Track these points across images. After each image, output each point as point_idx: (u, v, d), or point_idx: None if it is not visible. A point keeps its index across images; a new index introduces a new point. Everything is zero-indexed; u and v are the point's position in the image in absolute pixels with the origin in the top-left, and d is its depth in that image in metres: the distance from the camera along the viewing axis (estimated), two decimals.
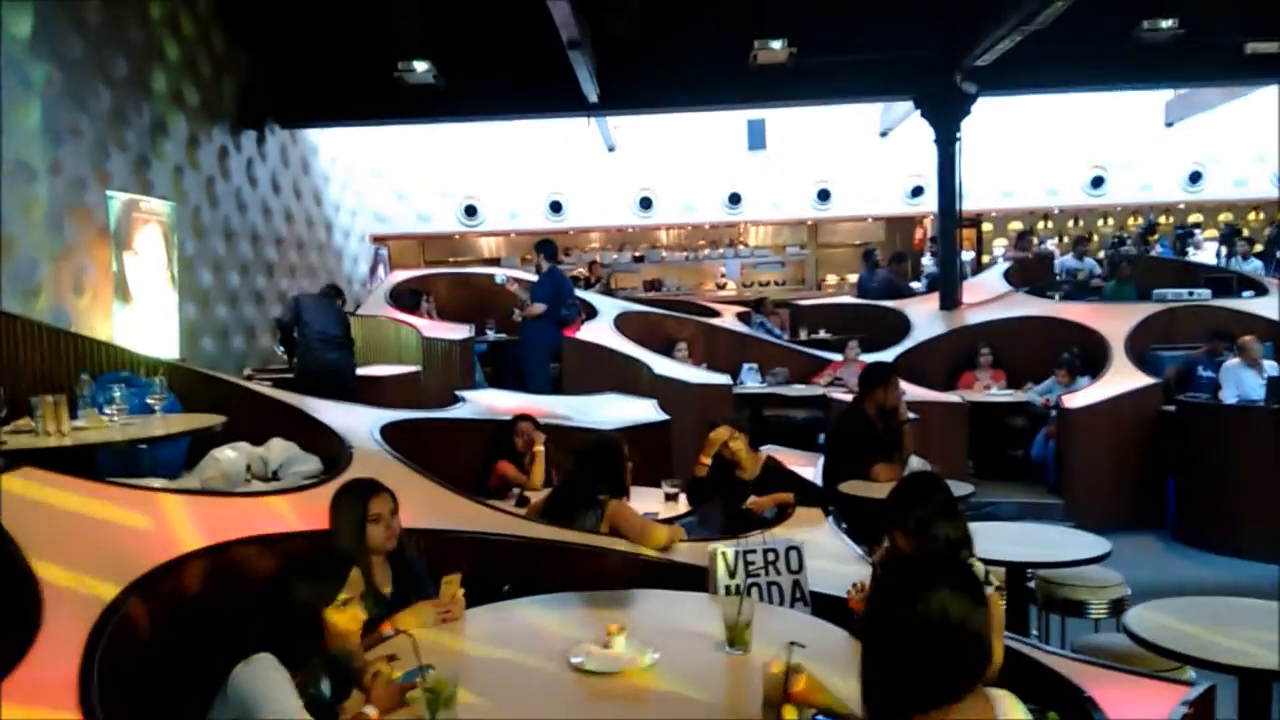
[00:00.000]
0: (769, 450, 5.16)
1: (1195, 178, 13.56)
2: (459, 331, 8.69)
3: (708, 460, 4.40)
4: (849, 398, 6.52)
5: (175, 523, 2.97)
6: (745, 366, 8.93)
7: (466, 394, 6.56)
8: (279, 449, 4.38)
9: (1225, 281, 9.52)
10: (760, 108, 11.96)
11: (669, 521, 4.05)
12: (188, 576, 2.77)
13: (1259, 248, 12.48)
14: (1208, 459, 6.84)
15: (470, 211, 13.84)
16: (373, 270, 12.40)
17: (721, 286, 14.71)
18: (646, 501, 4.40)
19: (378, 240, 13.27)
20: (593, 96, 8.90)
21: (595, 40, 8.12)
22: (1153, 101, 12.98)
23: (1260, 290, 9.28)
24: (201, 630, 2.61)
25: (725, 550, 3.06)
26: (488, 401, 6.39)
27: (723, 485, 4.51)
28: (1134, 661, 2.98)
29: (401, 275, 10.73)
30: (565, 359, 8.42)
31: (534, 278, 8.81)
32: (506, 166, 13.68)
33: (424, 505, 3.61)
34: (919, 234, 14.77)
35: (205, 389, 4.84)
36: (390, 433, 4.61)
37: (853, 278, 14.65)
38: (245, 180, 8.96)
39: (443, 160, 13.55)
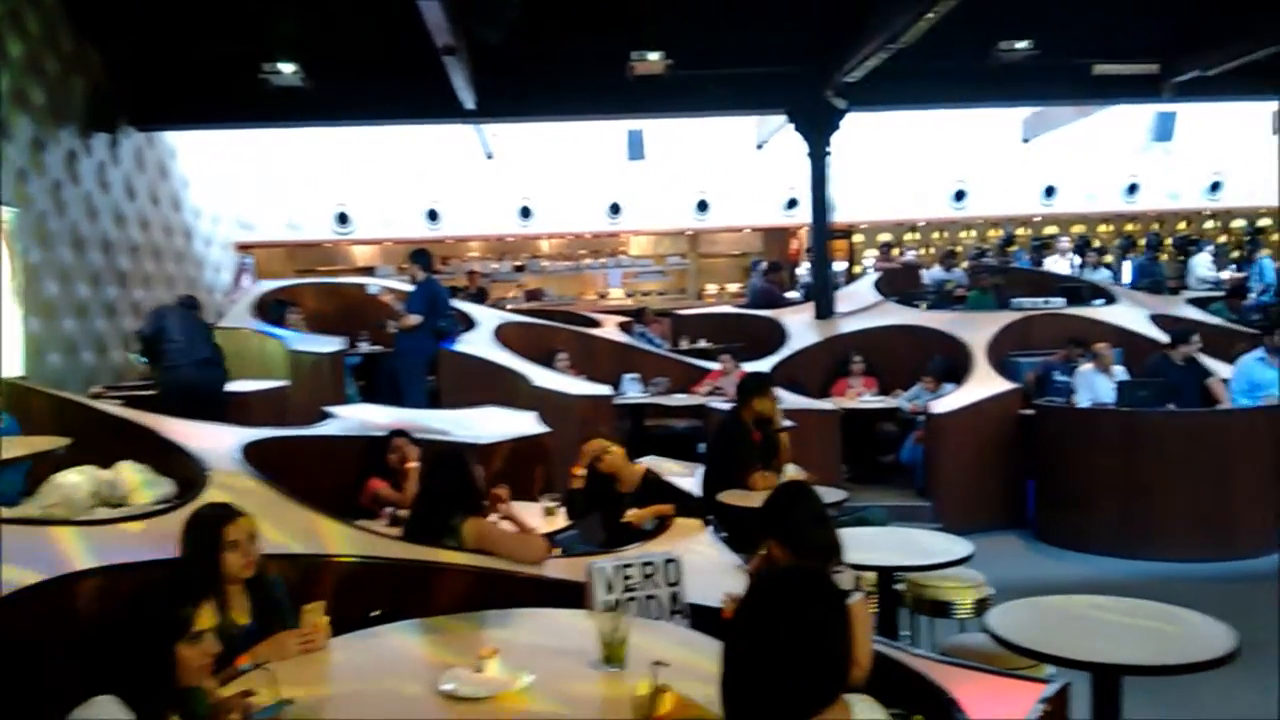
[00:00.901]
0: (649, 461, 5.16)
1: (1050, 192, 14.38)
2: (329, 344, 8.39)
3: (582, 472, 4.36)
4: (728, 407, 6.60)
5: (9, 556, 2.73)
6: (626, 376, 8.94)
7: (337, 410, 6.32)
8: (129, 473, 4.10)
9: (1078, 290, 10.09)
10: (638, 118, 12.03)
11: (549, 537, 3.99)
12: (21, 613, 2.55)
13: (1109, 258, 13.32)
14: (1064, 460, 7.21)
15: (342, 219, 13.42)
16: (237, 279, 11.86)
17: (603, 296, 14.73)
18: (525, 516, 4.31)
19: (242, 248, 12.71)
20: (469, 104, 8.76)
21: (471, 47, 8.00)
22: (1011, 119, 13.68)
23: (1110, 299, 9.88)
24: (38, 672, 2.40)
25: (603, 565, 3.02)
26: (361, 417, 6.17)
27: (601, 498, 4.47)
28: (996, 660, 3.08)
29: (268, 285, 10.30)
30: (442, 371, 8.24)
31: (410, 287, 8.59)
32: (381, 173, 13.32)
33: (287, 529, 3.44)
34: (794, 245, 15.15)
35: (48, 409, 4.51)
36: (253, 453, 4.39)
37: (733, 287, 14.94)
38: (96, 185, 8.42)
39: (313, 165, 13.10)
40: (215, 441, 4.45)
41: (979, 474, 7.60)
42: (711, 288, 15.22)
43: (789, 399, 7.84)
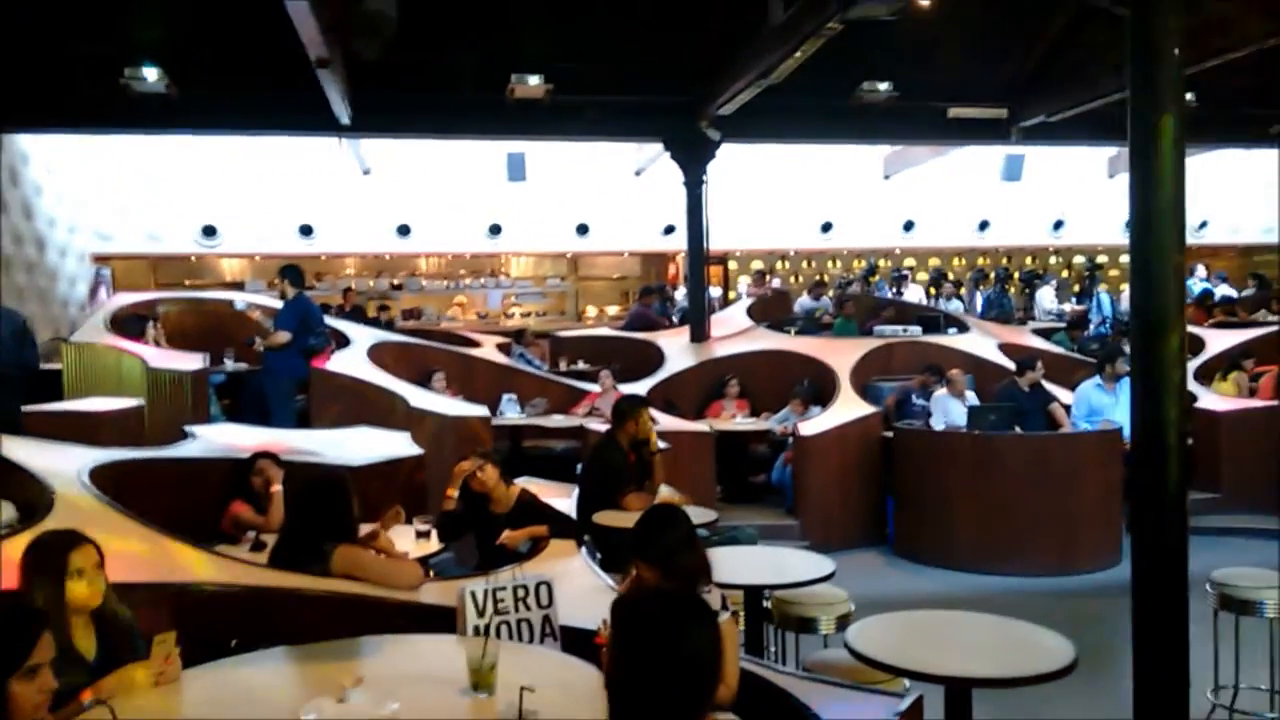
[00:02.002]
0: (524, 482, 5.16)
1: (909, 226, 15.14)
2: (191, 361, 8.01)
3: (454, 493, 4.33)
4: (605, 428, 6.66)
5: None
6: (505, 397, 8.89)
7: (198, 430, 6.05)
8: None
9: (934, 319, 10.64)
10: (518, 140, 12.06)
11: (422, 561, 3.95)
12: None
13: (962, 289, 14.09)
14: (920, 480, 7.57)
15: (208, 231, 12.89)
16: (93, 292, 11.23)
17: (483, 316, 14.62)
18: (397, 540, 4.24)
19: (100, 260, 12.04)
20: (344, 118, 8.59)
21: (348, 60, 7.86)
22: (873, 156, 14.37)
23: (962, 327, 10.46)
24: None
25: (474, 589, 3.01)
26: (224, 438, 5.94)
27: (476, 520, 4.45)
28: (857, 675, 3.23)
29: (125, 298, 9.77)
30: (313, 391, 8.00)
31: (280, 304, 8.33)
32: (251, 184, 12.88)
33: (140, 556, 3.29)
34: (672, 270, 15.43)
35: None
36: (102, 475, 4.17)
37: (612, 310, 15.08)
38: None
39: (178, 175, 12.56)
40: (61, 462, 4.21)
41: (843, 494, 7.89)
42: (592, 310, 15.33)
43: (665, 420, 7.97)
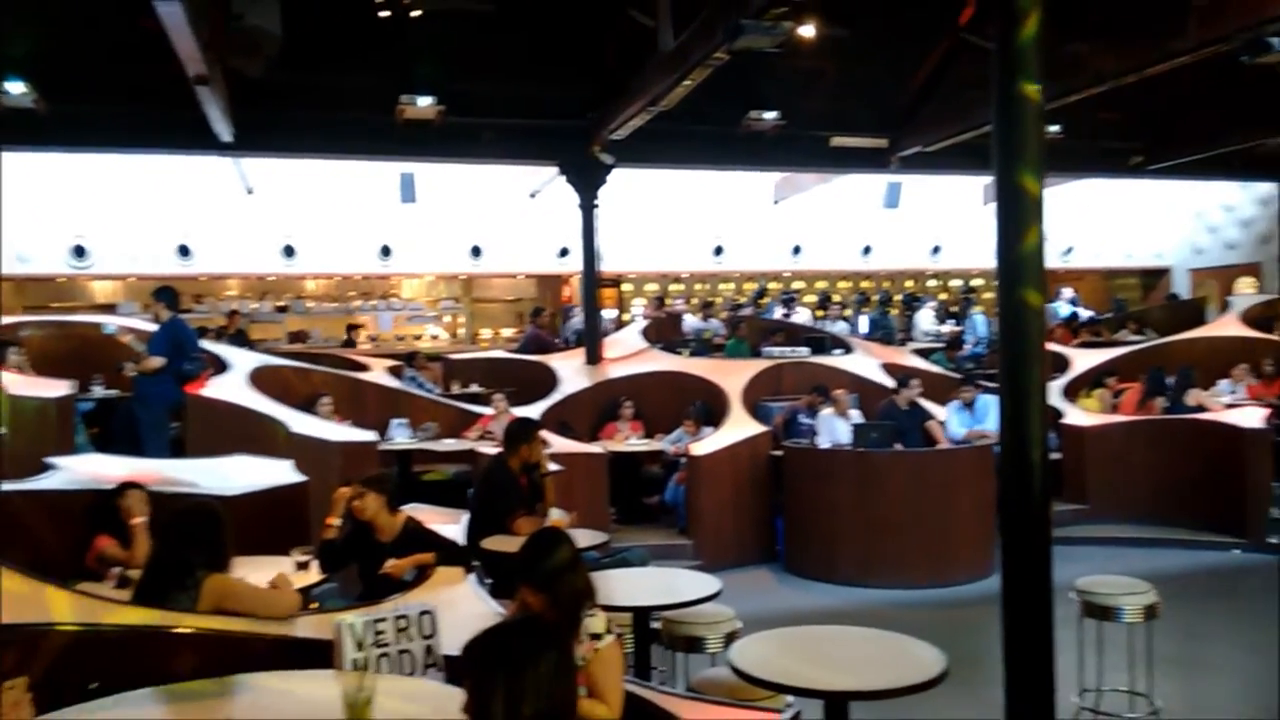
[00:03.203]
0: (413, 509, 5.07)
1: (797, 250, 15.57)
2: (56, 388, 7.58)
3: (335, 521, 4.23)
4: (498, 451, 6.60)
5: None
6: (394, 421, 8.72)
7: (62, 460, 5.73)
8: None
9: (821, 341, 10.95)
10: (409, 161, 11.90)
11: (303, 592, 3.82)
12: None
13: (848, 311, 14.55)
14: (807, 497, 7.76)
15: (79, 252, 12.26)
16: None
17: (373, 339, 14.31)
18: (274, 571, 4.10)
19: None
20: (226, 136, 8.33)
21: (230, 77, 7.63)
22: (763, 182, 14.74)
23: (848, 348, 10.79)
24: None
25: (352, 621, 2.93)
26: (91, 469, 5.63)
27: (359, 549, 4.34)
28: (741, 692, 3.28)
29: None
30: (188, 418, 7.68)
31: (154, 327, 7.97)
32: (125, 204, 12.33)
33: None
34: (567, 292, 15.44)
35: None
36: None
37: (507, 332, 14.98)
38: None
39: (46, 193, 11.91)
40: None
41: (734, 512, 8.02)
42: (486, 332, 15.19)
43: (558, 443, 7.96)
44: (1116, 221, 16.24)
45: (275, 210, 13.00)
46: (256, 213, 12.94)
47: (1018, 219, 3.81)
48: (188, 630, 3.18)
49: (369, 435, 7.74)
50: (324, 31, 8.15)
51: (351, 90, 8.77)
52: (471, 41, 8.58)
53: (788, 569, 7.81)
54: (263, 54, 7.52)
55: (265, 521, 5.07)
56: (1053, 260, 14.39)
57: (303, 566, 4.29)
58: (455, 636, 3.18)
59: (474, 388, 10.37)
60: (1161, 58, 7.41)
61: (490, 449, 7.64)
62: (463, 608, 3.62)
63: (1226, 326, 10.79)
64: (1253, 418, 8.22)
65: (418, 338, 14.41)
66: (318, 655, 3.09)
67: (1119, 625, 4.52)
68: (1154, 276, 17.26)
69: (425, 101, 8.32)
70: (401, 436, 8.58)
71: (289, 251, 13.24)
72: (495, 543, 4.78)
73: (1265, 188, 14.60)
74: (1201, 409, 8.90)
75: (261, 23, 7.50)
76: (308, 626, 3.34)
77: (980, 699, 4.55)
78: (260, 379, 8.41)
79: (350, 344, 13.25)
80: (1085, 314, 14.03)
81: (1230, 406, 8.87)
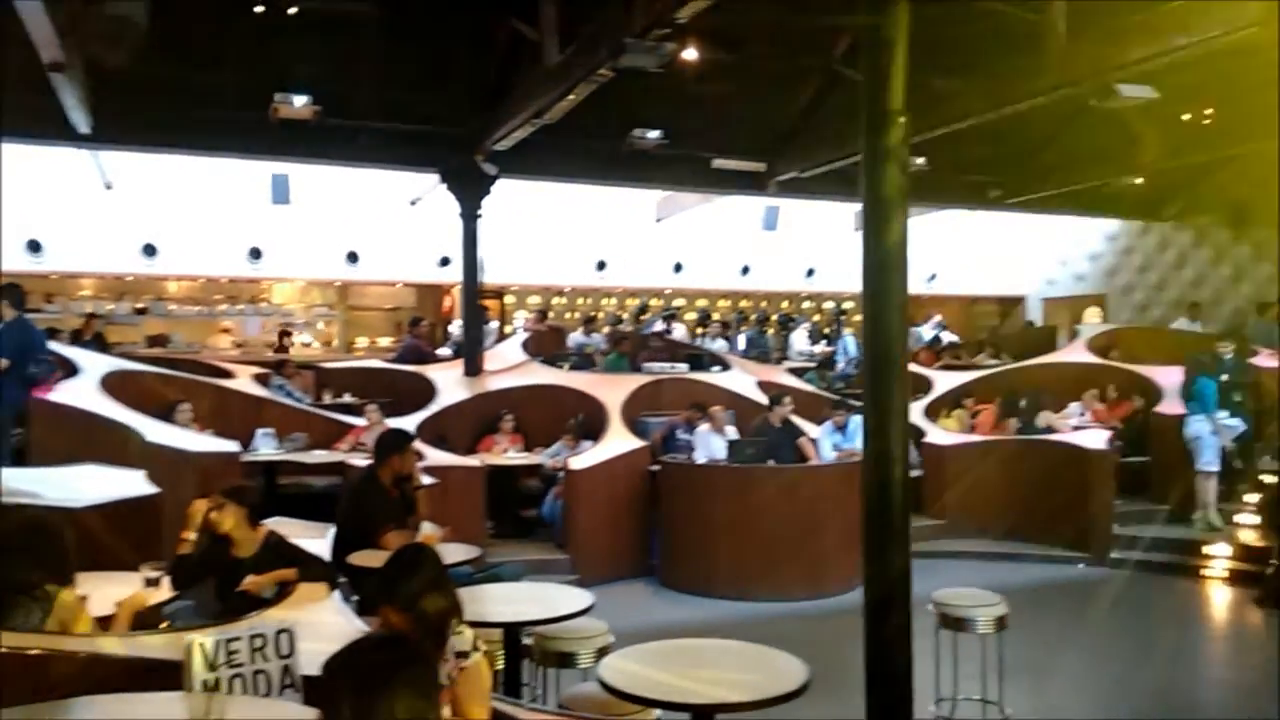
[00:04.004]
0: (277, 522, 4.87)
1: (679, 268, 15.80)
2: None
3: (191, 536, 4.02)
4: (368, 464, 6.42)
5: None
6: (260, 432, 8.38)
7: None
8: None
9: (700, 357, 11.13)
10: (281, 161, 11.49)
11: (156, 609, 3.62)
12: None
13: (726, 330, 14.83)
14: (684, 511, 7.86)
15: None
16: None
17: (240, 345, 13.72)
18: (124, 588, 3.87)
19: None
20: (83, 127, 7.87)
21: (90, 66, 7.21)
22: (646, 199, 14.91)
23: (725, 366, 10.99)
24: None
25: (203, 640, 2.78)
26: None
27: (216, 565, 4.14)
28: (611, 708, 3.28)
29: None
30: (33, 424, 7.19)
31: None
32: None
33: None
34: (447, 302, 15.21)
35: None
36: None
37: (384, 341, 14.62)
38: None
39: None
40: None
41: (612, 526, 8.04)
42: (362, 341, 14.78)
43: (433, 455, 7.82)
44: (978, 251, 17.13)
45: (136, 206, 12.32)
46: (115, 208, 12.24)
47: (883, 245, 3.98)
48: (20, 651, 2.97)
49: (230, 445, 7.43)
50: (194, 23, 7.82)
51: (222, 86, 8.43)
52: (352, 43, 8.40)
53: (664, 583, 7.88)
54: (126, 44, 7.15)
55: (115, 536, 4.79)
56: (918, 286, 15.11)
57: (153, 583, 4.06)
58: (316, 656, 3.07)
59: (347, 398, 10.07)
60: (1020, 98, 7.88)
61: (362, 461, 7.44)
62: (326, 626, 3.50)
63: (1075, 353, 11.51)
64: (1097, 439, 8.78)
65: (287, 340, 13.86)
66: (167, 676, 2.93)
67: (973, 636, 4.74)
68: (1011, 304, 18.30)
69: (301, 101, 8.08)
70: (267, 447, 8.26)
71: (150, 250, 12.59)
72: (363, 558, 4.65)
73: (1112, 224, 15.71)
74: (1051, 430, 9.47)
75: (126, 11, 7.13)
76: (157, 646, 3.16)
77: (844, 708, 4.68)
78: (114, 384, 7.95)
79: (284, 349, 12.78)
80: (948, 338, 14.72)
81: (1077, 428, 9.46)
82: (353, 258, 13.71)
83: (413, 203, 13.42)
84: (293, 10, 7.88)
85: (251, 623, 3.00)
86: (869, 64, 3.96)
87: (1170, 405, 9.14)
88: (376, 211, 13.57)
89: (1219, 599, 7.57)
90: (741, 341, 14.23)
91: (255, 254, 13.18)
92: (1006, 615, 4.68)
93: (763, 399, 9.61)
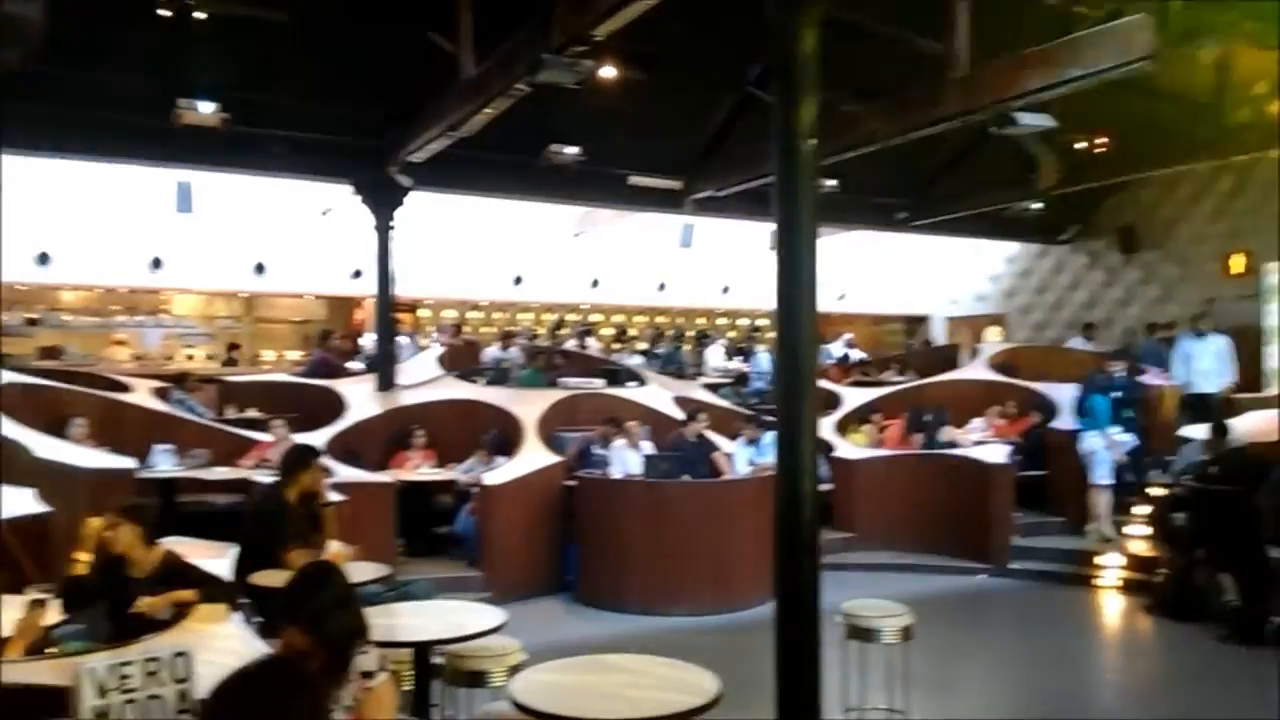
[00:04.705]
0: (175, 542, 4.70)
1: (595, 283, 15.85)
2: None
3: (84, 556, 3.85)
4: (273, 481, 6.24)
5: None
6: (159, 448, 8.07)
7: None
8: None
9: (616, 373, 11.16)
10: (186, 168, 11.14)
11: (46, 631, 3.45)
12: None
13: (642, 345, 14.91)
14: (599, 527, 7.85)
15: None
16: None
17: (139, 358, 13.19)
18: (9, 613, 3.67)
19: None
20: None
21: None
22: (564, 215, 14.91)
23: (641, 381, 11.04)
24: None
25: (94, 664, 2.68)
26: None
27: (109, 586, 3.97)
28: None
29: None
30: None
31: None
32: None
33: None
34: (359, 315, 14.92)
35: None
36: None
37: (292, 355, 14.24)
38: None
39: None
40: None
41: (527, 542, 7.98)
42: (269, 354, 14.37)
43: (343, 472, 7.66)
44: (885, 271, 17.64)
45: (28, 213, 11.76)
46: (7, 215, 11.64)
47: (795, 265, 4.08)
48: None
49: (126, 462, 7.15)
50: (96, 25, 7.52)
51: (125, 90, 8.15)
52: (263, 50, 8.20)
53: (579, 599, 7.85)
54: (21, 44, 6.83)
55: (2, 556, 4.56)
56: (828, 304, 15.45)
57: (39, 605, 3.86)
58: (215, 680, 2.97)
59: (253, 413, 9.77)
60: (925, 123, 8.17)
61: (267, 478, 7.23)
62: (225, 649, 3.39)
63: (976, 370, 11.91)
64: (998, 454, 9.10)
65: (190, 357, 13.40)
66: (56, 703, 2.80)
67: (879, 646, 4.84)
68: (916, 323, 18.87)
69: (207, 108, 7.84)
70: (165, 463, 7.96)
71: (43, 259, 12.03)
72: (266, 578, 4.51)
73: (1011, 247, 16.35)
74: (954, 445, 9.78)
75: (21, 10, 6.82)
76: (45, 671, 3.02)
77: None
78: (3, 398, 7.55)
79: (232, 363, 12.37)
80: (857, 355, 15.08)
81: (979, 443, 9.79)
82: (260, 269, 13.35)
83: (324, 213, 13.15)
84: (200, 15, 7.65)
85: (146, 646, 2.90)
86: (780, 88, 4.06)
87: (1066, 421, 9.53)
88: (286, 222, 13.25)
89: (1112, 607, 7.90)
90: (657, 358, 14.32)
91: (156, 263, 12.72)
92: (912, 625, 4.79)
93: (679, 414, 9.69)
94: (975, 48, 7.60)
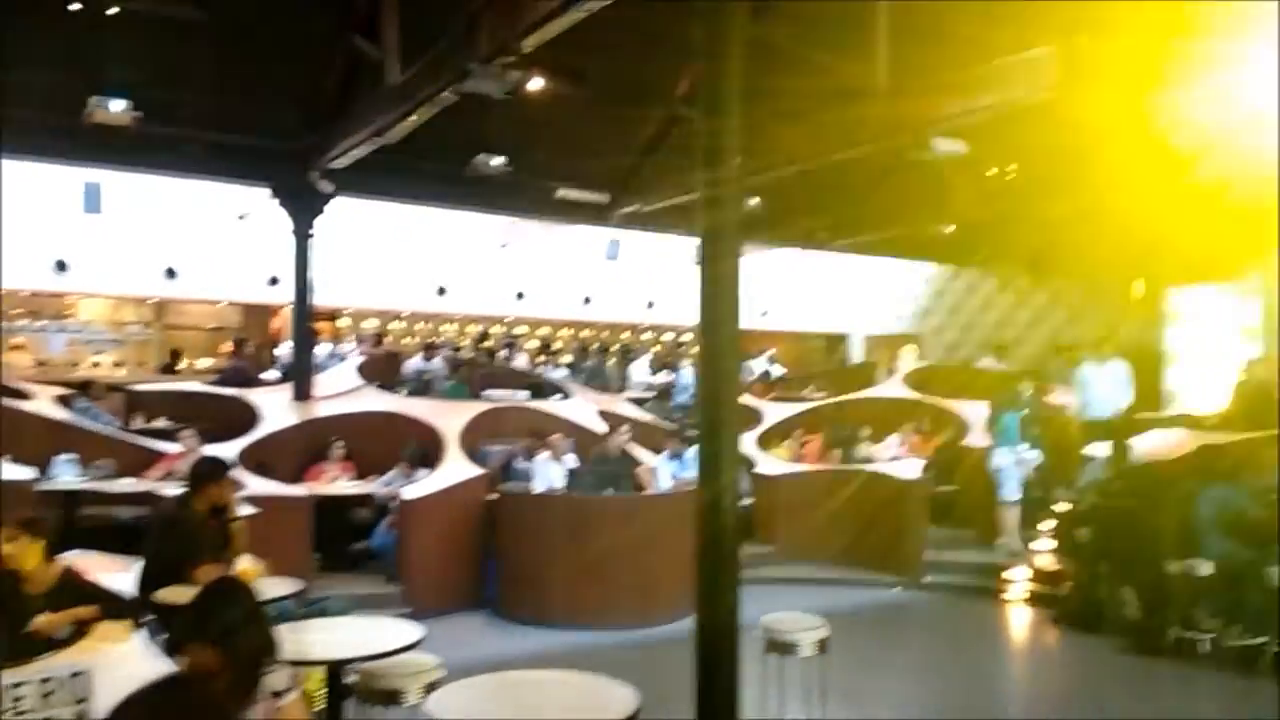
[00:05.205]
0: (77, 557, 4.51)
1: (521, 295, 15.77)
2: None
3: None
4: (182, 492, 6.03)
5: None
6: (60, 458, 7.74)
7: None
8: None
9: (541, 386, 11.10)
10: (96, 168, 10.74)
11: None
12: None
13: (568, 359, 14.88)
14: (521, 541, 7.78)
15: None
16: None
17: (41, 364, 12.62)
18: None
19: None
20: None
21: None
22: (490, 225, 14.83)
23: (566, 395, 11.01)
24: None
25: None
26: None
27: (3, 603, 3.77)
28: None
29: None
30: None
31: None
32: None
33: None
34: (276, 323, 14.56)
35: None
36: None
37: (205, 362, 13.80)
38: None
39: None
40: None
41: (447, 557, 7.87)
42: (182, 362, 13.89)
43: (256, 484, 7.45)
44: (807, 290, 17.97)
45: None
46: None
47: (718, 281, 4.12)
48: None
49: (26, 472, 6.84)
50: (3, 18, 7.20)
51: (30, 85, 7.80)
52: (178, 48, 7.97)
53: (500, 614, 7.76)
54: None
55: None
56: (751, 321, 15.66)
57: None
58: (115, 700, 2.85)
59: (162, 423, 9.44)
60: (845, 146, 8.37)
61: (175, 490, 6.99)
62: (127, 668, 3.26)
63: (892, 388, 12.20)
64: (912, 470, 9.33)
65: (97, 364, 12.89)
66: None
67: (797, 659, 4.90)
68: (836, 341, 19.26)
69: (118, 105, 7.57)
70: (68, 475, 7.64)
71: None
72: (173, 594, 4.35)
73: (927, 268, 16.85)
74: (871, 461, 9.99)
75: None
76: None
77: None
78: None
79: (171, 370, 11.95)
80: (779, 371, 15.31)
81: (894, 459, 10.02)
82: (171, 273, 12.94)
83: (241, 217, 12.82)
84: (112, 10, 7.40)
85: (42, 666, 2.77)
86: (707, 106, 4.11)
87: (977, 438, 9.81)
88: (200, 225, 12.87)
89: (1019, 619, 8.15)
90: (583, 370, 14.31)
91: (61, 266, 12.21)
92: (828, 638, 4.87)
93: (603, 428, 9.68)
94: (894, 74, 7.83)
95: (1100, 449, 8.77)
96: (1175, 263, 13.16)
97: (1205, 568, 6.48)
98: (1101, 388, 9.85)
